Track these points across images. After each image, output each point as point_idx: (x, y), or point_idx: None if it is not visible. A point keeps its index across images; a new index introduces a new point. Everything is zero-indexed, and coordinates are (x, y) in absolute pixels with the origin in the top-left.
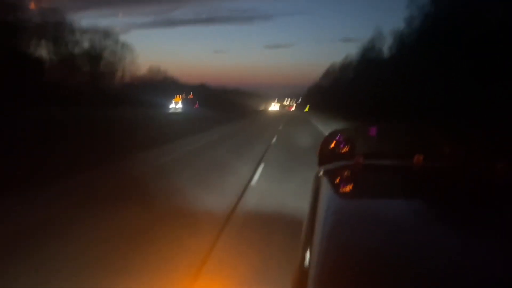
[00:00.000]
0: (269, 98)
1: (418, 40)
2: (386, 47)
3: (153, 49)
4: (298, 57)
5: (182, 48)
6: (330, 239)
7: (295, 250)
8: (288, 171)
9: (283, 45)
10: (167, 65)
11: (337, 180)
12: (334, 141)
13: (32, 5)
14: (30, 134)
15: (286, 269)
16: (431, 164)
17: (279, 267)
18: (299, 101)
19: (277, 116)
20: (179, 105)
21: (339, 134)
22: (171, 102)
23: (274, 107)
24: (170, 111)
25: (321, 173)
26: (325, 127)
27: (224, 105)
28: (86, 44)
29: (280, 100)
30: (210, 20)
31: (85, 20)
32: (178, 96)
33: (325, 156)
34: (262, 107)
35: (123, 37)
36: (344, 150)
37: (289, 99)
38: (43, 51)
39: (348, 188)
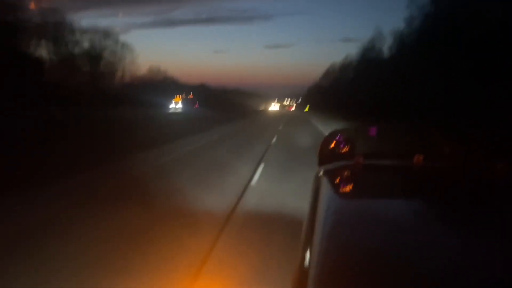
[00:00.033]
0: (269, 98)
1: (418, 40)
2: (386, 47)
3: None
4: (298, 57)
5: (182, 48)
6: (330, 239)
7: (295, 250)
8: (288, 171)
9: (283, 45)
10: (167, 65)
11: (337, 180)
12: (334, 141)
13: (32, 5)
14: (29, 134)
15: (286, 269)
16: (431, 164)
17: (279, 267)
18: (299, 101)
19: (277, 116)
20: (179, 105)
21: (339, 134)
22: (171, 102)
23: (274, 107)
24: (170, 111)
25: (321, 173)
26: (325, 127)
27: (224, 105)
28: (86, 44)
29: (280, 100)
30: (210, 20)
31: (85, 20)
32: (178, 96)
33: (325, 156)
34: (262, 107)
35: (123, 37)
36: (344, 150)
37: (289, 99)
38: (43, 51)
39: (348, 188)
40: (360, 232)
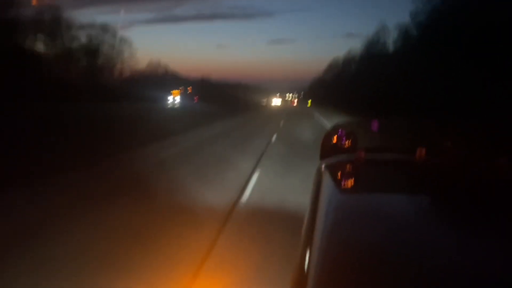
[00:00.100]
0: (271, 93)
1: (422, 36)
2: (390, 41)
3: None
4: (301, 53)
5: (185, 44)
6: (332, 234)
7: (295, 247)
8: (291, 165)
9: (285, 41)
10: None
11: (339, 174)
12: (336, 135)
13: (34, 1)
14: (28, 129)
15: (287, 269)
16: (434, 158)
17: (280, 266)
18: (302, 95)
19: (279, 110)
20: (177, 99)
21: (341, 129)
22: (169, 96)
23: (277, 101)
24: (168, 105)
25: (323, 167)
26: (330, 122)
27: (226, 99)
28: (84, 39)
29: (283, 95)
30: (212, 16)
31: (88, 17)
32: (176, 90)
33: (327, 150)
34: (264, 102)
35: (126, 33)
36: (346, 144)
37: (292, 94)
38: (40, 46)
39: (349, 182)
40: (361, 227)
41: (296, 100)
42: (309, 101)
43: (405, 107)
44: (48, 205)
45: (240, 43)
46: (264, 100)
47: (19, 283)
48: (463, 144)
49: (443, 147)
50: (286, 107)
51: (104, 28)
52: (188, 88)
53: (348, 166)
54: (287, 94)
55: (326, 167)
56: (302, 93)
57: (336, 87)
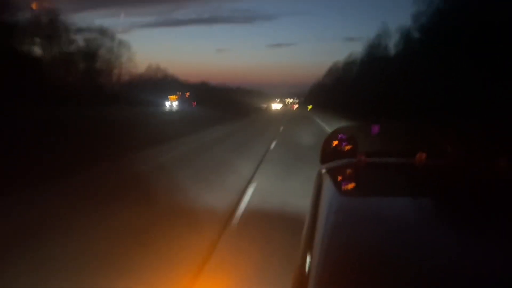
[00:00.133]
0: (271, 97)
1: (424, 38)
2: (392, 44)
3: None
4: (301, 57)
5: (184, 47)
6: (332, 237)
7: (295, 248)
8: (292, 168)
9: (285, 45)
10: (170, 64)
11: (340, 179)
12: (337, 139)
13: (34, 5)
14: (28, 133)
15: (287, 269)
16: (434, 162)
17: (280, 265)
18: (302, 99)
19: (279, 115)
20: (175, 104)
21: (341, 133)
22: (167, 101)
23: (277, 105)
24: (166, 110)
25: (323, 171)
26: (330, 127)
27: (225, 104)
28: (82, 42)
29: (283, 99)
30: (212, 20)
31: (88, 20)
32: (174, 94)
33: (328, 154)
34: (264, 106)
35: (125, 37)
36: (346, 148)
37: (292, 98)
38: (38, 50)
39: (350, 186)
40: (362, 230)
41: (296, 104)
42: (309, 106)
43: (405, 108)
44: (48, 205)
45: (240, 47)
46: (265, 104)
47: (19, 283)
48: (463, 145)
49: (444, 150)
50: (286, 111)
51: (102, 31)
52: (186, 93)
53: (348, 170)
54: (287, 100)
55: (326, 171)
56: (303, 97)
57: (337, 91)
